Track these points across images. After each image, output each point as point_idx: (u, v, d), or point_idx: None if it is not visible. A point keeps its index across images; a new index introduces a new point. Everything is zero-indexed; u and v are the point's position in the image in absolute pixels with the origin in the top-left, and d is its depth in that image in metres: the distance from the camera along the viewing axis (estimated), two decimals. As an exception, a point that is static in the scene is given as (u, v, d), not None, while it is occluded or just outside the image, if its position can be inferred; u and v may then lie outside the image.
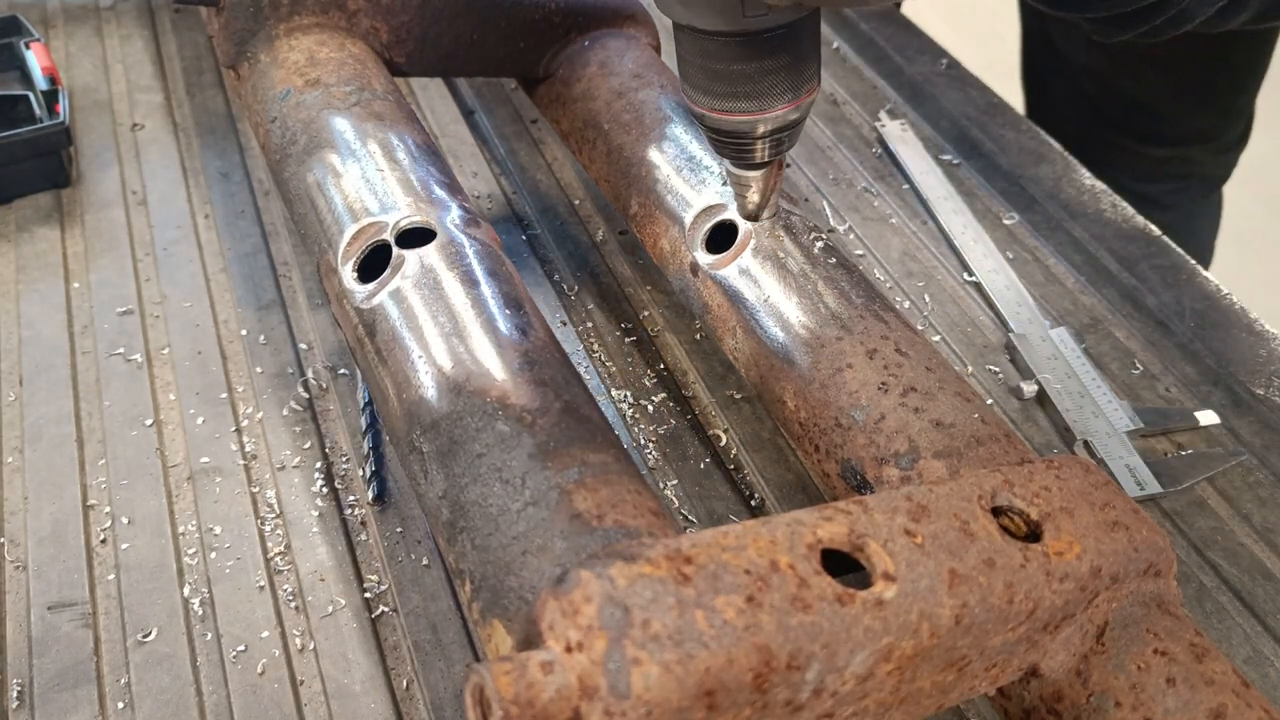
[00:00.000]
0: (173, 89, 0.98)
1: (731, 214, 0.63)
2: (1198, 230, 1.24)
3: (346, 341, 0.64)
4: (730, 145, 0.57)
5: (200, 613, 0.59)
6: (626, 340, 0.75)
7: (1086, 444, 0.66)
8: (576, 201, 0.87)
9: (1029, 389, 0.70)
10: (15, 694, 0.55)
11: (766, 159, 0.57)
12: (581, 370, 0.72)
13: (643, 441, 0.68)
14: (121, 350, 0.73)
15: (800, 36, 0.52)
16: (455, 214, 0.59)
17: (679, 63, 0.55)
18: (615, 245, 0.82)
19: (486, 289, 0.55)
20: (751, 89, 0.53)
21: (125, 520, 0.63)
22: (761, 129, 0.55)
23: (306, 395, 0.70)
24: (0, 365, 0.72)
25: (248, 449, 0.67)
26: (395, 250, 0.56)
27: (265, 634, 0.58)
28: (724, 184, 0.64)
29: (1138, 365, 0.73)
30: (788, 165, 0.90)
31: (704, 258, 0.63)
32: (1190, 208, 1.22)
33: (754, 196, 0.60)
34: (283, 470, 0.66)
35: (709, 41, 0.52)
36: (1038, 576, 0.41)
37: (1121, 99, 1.13)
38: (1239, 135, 1.18)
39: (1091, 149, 0.94)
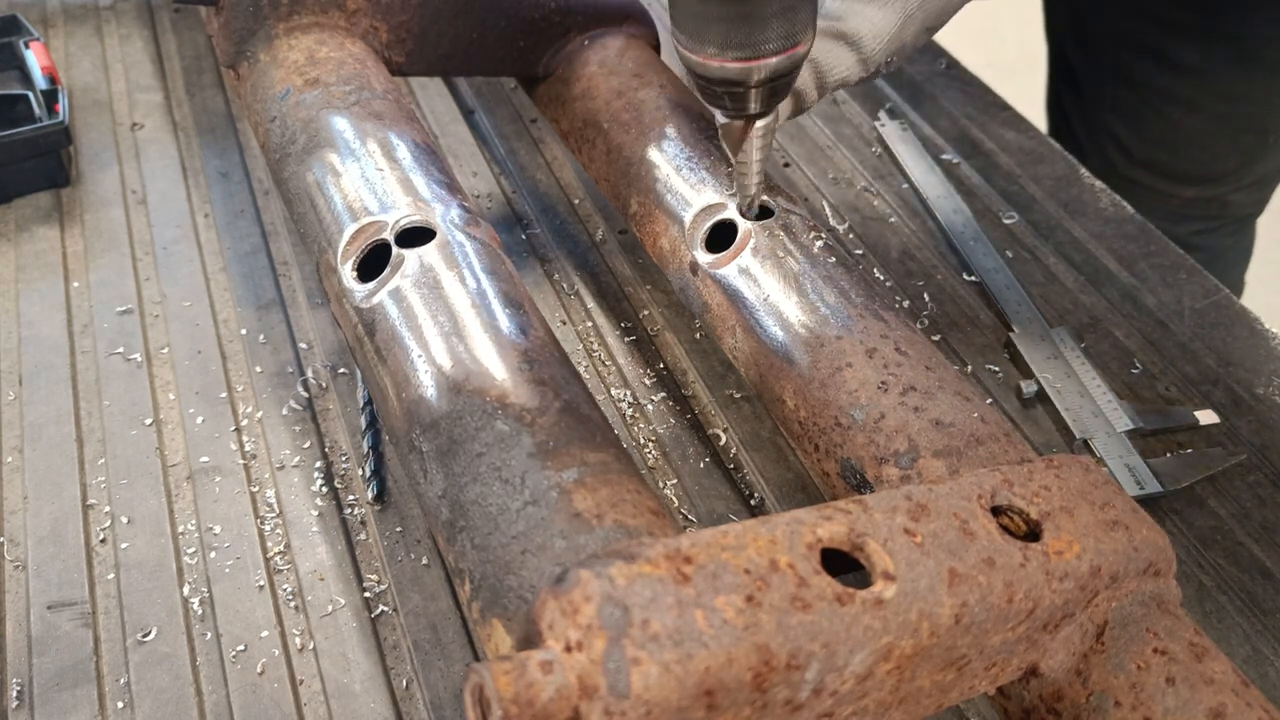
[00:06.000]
0: (172, 89, 0.98)
1: (731, 213, 0.63)
2: (1227, 268, 1.21)
3: (346, 341, 0.64)
4: (723, 95, 0.56)
5: (200, 612, 0.59)
6: (626, 340, 0.75)
7: (1086, 444, 0.66)
8: (576, 201, 0.87)
9: (1029, 389, 0.70)
10: (15, 693, 0.55)
11: (760, 109, 0.56)
12: (581, 370, 0.72)
13: (643, 441, 0.68)
14: (121, 350, 0.73)
15: None
16: (455, 213, 0.59)
17: (670, 7, 0.54)
18: (615, 245, 0.82)
19: (486, 288, 0.55)
20: (744, 36, 0.52)
21: (125, 520, 0.63)
22: (755, 77, 0.54)
23: (306, 395, 0.70)
24: (0, 365, 0.72)
25: (247, 448, 0.67)
26: (395, 249, 0.56)
27: (265, 633, 0.58)
28: (724, 182, 0.64)
29: (1138, 365, 0.73)
30: (786, 165, 0.90)
31: (703, 257, 0.63)
32: (1219, 246, 1.18)
33: (749, 156, 0.58)
34: (282, 470, 0.66)
35: None
36: (1037, 576, 0.41)
37: (1149, 138, 1.10)
38: (1274, 170, 1.13)
39: (1118, 188, 0.92)
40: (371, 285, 0.56)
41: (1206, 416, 0.68)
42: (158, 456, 0.66)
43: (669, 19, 0.55)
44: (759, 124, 0.57)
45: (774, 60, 0.53)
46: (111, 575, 0.60)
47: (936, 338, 0.75)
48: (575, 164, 0.90)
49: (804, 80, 0.59)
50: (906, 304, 0.78)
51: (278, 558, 0.61)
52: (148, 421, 0.68)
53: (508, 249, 0.71)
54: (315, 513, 0.64)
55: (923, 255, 0.82)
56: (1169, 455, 0.66)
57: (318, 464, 0.66)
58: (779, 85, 0.55)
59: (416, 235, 0.57)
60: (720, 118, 0.58)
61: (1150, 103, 1.08)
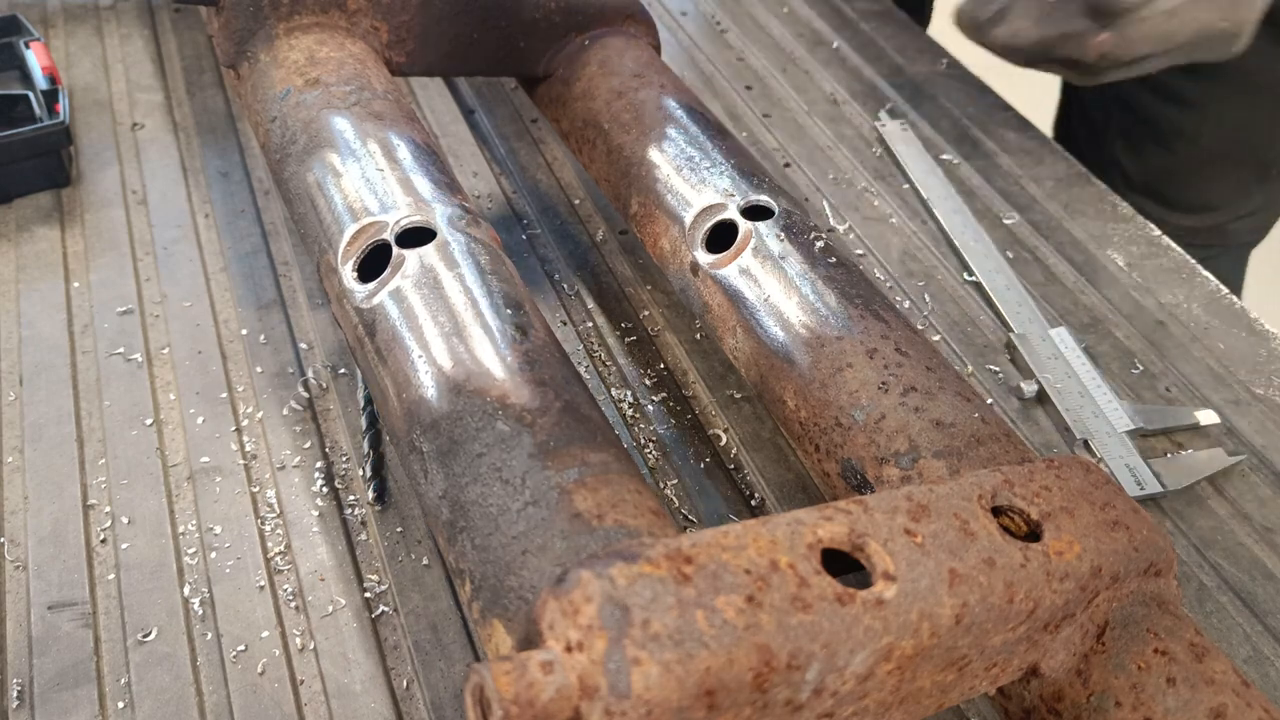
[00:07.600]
0: (173, 88, 0.98)
1: (731, 214, 0.63)
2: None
3: (346, 341, 0.64)
4: None
5: (200, 612, 0.59)
6: (626, 340, 0.75)
7: (1086, 444, 0.66)
8: (576, 201, 0.87)
9: (1029, 389, 0.70)
10: (15, 694, 0.55)
11: None
12: (581, 370, 0.72)
13: (643, 441, 0.68)
14: (121, 350, 0.73)
15: None
16: (455, 213, 0.59)
17: None
18: (615, 245, 0.82)
19: (487, 288, 0.55)
20: None
21: (125, 520, 0.63)
22: None
23: (306, 395, 0.70)
24: (0, 365, 0.72)
25: (248, 449, 0.67)
26: (395, 250, 0.56)
27: (265, 634, 0.58)
28: (724, 182, 0.64)
29: (1138, 365, 0.73)
30: (786, 165, 0.90)
31: (704, 257, 0.63)
32: (1220, 274, 1.19)
33: None
34: (283, 470, 0.66)
35: None
36: (1038, 576, 0.41)
37: (1150, 167, 1.11)
38: (1274, 200, 1.13)
39: None
40: (372, 285, 0.56)
41: (1206, 416, 0.68)
42: (158, 456, 0.66)
43: None
44: None
45: None
46: (112, 575, 0.60)
47: (936, 338, 0.75)
48: (576, 164, 0.90)
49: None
50: (906, 304, 0.78)
51: (278, 558, 0.61)
52: (148, 421, 0.68)
53: (508, 249, 0.71)
54: (316, 513, 0.64)
55: (923, 255, 0.82)
56: (1169, 455, 0.67)
57: (318, 464, 0.66)
58: None
59: (417, 235, 0.57)
60: None
61: (1151, 133, 1.08)
